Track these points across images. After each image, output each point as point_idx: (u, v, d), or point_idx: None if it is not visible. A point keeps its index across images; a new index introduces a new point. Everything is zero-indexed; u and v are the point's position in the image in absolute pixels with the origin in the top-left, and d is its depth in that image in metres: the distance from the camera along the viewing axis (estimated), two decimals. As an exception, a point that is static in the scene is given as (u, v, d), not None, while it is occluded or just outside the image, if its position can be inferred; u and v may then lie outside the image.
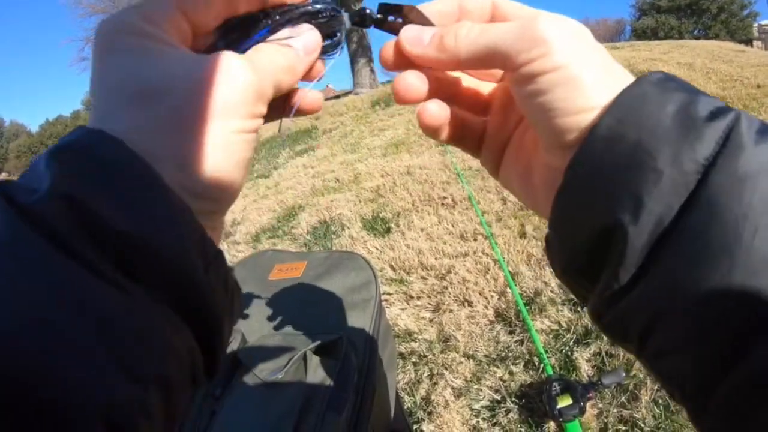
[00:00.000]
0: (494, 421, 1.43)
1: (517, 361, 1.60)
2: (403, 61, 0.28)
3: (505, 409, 1.44)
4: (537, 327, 1.68)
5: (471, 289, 2.00)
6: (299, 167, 5.06)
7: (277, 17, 0.27)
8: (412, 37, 0.27)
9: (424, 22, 0.28)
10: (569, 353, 1.56)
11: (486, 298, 1.93)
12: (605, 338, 1.55)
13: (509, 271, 1.95)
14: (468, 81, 0.31)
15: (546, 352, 1.54)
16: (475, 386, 1.55)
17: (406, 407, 1.55)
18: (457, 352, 1.71)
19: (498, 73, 0.31)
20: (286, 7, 0.27)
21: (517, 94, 0.25)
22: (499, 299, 1.91)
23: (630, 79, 0.23)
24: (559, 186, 0.24)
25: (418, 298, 2.08)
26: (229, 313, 0.23)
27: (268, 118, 0.29)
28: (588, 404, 1.24)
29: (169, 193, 0.20)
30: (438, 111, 0.28)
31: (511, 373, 1.56)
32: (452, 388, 1.58)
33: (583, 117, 0.23)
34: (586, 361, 1.52)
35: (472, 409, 1.49)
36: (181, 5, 0.25)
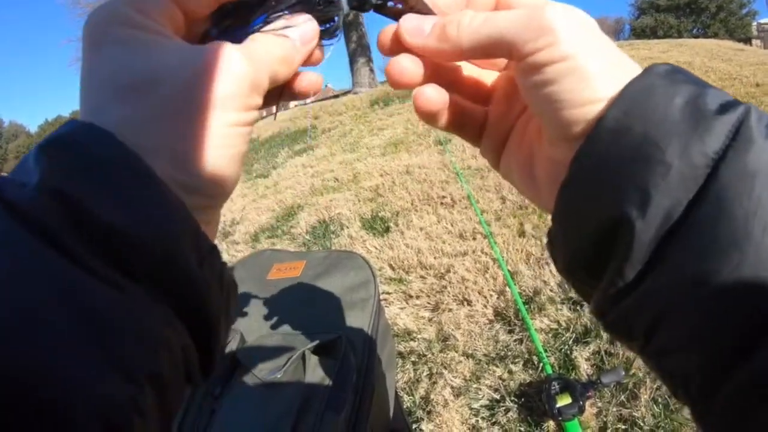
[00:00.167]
0: (493, 420, 1.43)
1: (517, 360, 1.60)
2: (402, 49, 0.27)
3: (504, 408, 1.44)
4: (536, 326, 1.68)
5: (470, 288, 2.00)
6: (298, 167, 5.06)
7: (273, 2, 0.26)
8: (412, 27, 0.26)
9: (424, 8, 0.27)
10: (568, 352, 1.56)
11: (485, 297, 1.93)
12: (604, 337, 1.55)
13: (508, 270, 1.95)
14: (469, 69, 0.31)
15: (545, 351, 1.54)
16: (475, 385, 1.55)
17: (405, 407, 1.55)
18: (456, 352, 1.71)
19: (501, 61, 0.30)
20: None
21: (523, 84, 0.24)
22: (498, 298, 1.91)
23: (638, 70, 0.23)
24: (563, 179, 0.23)
25: (417, 297, 2.08)
26: (225, 310, 0.23)
27: (266, 103, 0.28)
28: (587, 403, 1.24)
29: (161, 186, 0.20)
30: (435, 95, 0.27)
31: (510, 372, 1.56)
32: (451, 387, 1.58)
33: (590, 109, 0.22)
34: (586, 359, 1.52)
35: (471, 409, 1.49)
36: None
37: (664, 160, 0.20)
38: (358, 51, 10.79)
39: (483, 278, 2.04)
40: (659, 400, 1.31)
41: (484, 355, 1.67)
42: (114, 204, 0.19)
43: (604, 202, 0.21)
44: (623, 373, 1.28)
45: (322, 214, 3.29)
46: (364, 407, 0.63)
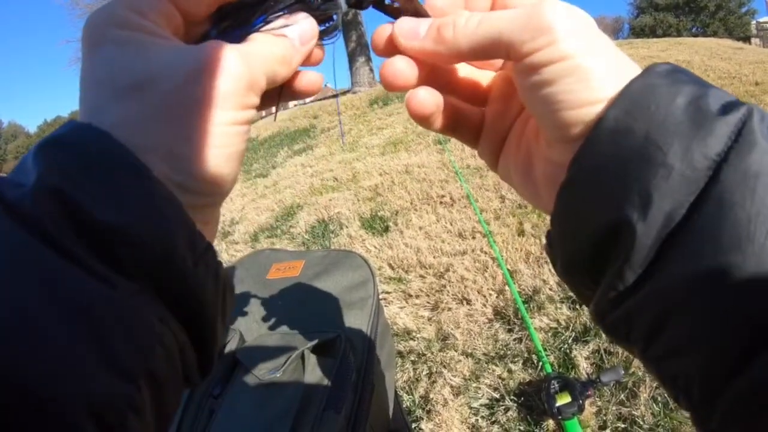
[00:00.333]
0: (493, 419, 1.43)
1: (516, 359, 1.60)
2: (396, 51, 0.27)
3: (503, 407, 1.44)
4: (536, 325, 1.68)
5: (469, 287, 2.00)
6: (297, 166, 5.06)
7: (272, 3, 0.26)
8: (406, 30, 0.26)
9: (421, 8, 0.27)
10: (568, 351, 1.56)
11: (484, 297, 1.94)
12: (604, 336, 1.55)
13: (508, 269, 1.95)
14: (465, 70, 0.30)
15: (545, 350, 1.54)
16: (474, 384, 1.55)
17: (404, 406, 1.55)
18: (456, 351, 1.71)
19: (497, 61, 0.30)
20: None
21: (521, 85, 0.24)
22: (497, 297, 1.91)
23: (637, 70, 0.22)
24: (562, 180, 0.23)
25: (417, 296, 2.08)
26: (221, 309, 0.23)
27: (266, 104, 0.28)
28: (587, 402, 1.24)
29: (158, 185, 0.20)
30: (428, 98, 0.27)
31: (509, 371, 1.56)
32: (451, 386, 1.58)
33: (589, 110, 0.22)
34: (585, 358, 1.52)
35: (470, 408, 1.49)
36: None
37: (665, 162, 0.19)
38: (358, 50, 10.77)
39: (482, 277, 2.05)
40: (658, 398, 1.31)
41: (484, 354, 1.67)
42: (111, 203, 0.19)
43: (604, 205, 0.21)
44: (622, 371, 1.28)
45: (322, 214, 3.29)
46: (363, 406, 0.63)
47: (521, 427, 1.36)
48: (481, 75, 0.31)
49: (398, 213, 2.94)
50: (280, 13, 0.26)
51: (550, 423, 1.33)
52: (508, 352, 1.64)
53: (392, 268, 2.33)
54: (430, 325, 1.89)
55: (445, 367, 1.66)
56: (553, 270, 1.68)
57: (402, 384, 1.65)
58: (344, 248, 2.51)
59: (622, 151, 0.20)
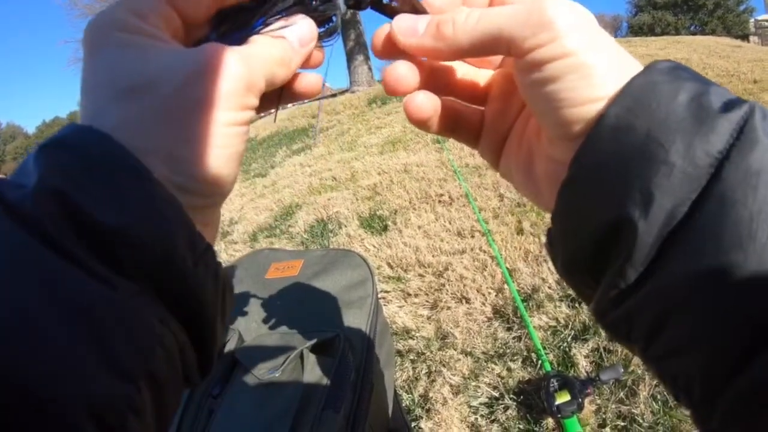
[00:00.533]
0: (492, 418, 1.43)
1: (515, 357, 1.60)
2: (395, 50, 0.27)
3: (503, 405, 1.44)
4: (535, 323, 1.68)
5: (468, 286, 2.00)
6: (296, 166, 5.06)
7: (270, 5, 0.26)
8: (405, 27, 0.26)
9: (419, 6, 0.27)
10: (567, 349, 1.56)
11: (483, 295, 1.94)
12: (603, 334, 1.55)
13: (507, 268, 1.95)
14: (464, 69, 0.30)
15: (544, 348, 1.54)
16: (473, 383, 1.55)
17: (404, 405, 1.55)
18: (455, 350, 1.71)
19: (496, 59, 0.30)
20: None
21: (522, 82, 0.24)
22: (496, 296, 1.91)
23: (639, 67, 0.22)
24: (564, 178, 0.23)
25: (416, 295, 2.08)
26: (220, 309, 0.23)
27: (266, 106, 0.29)
28: (586, 400, 1.25)
29: (157, 186, 0.20)
30: (425, 102, 0.27)
31: (509, 369, 1.56)
32: (450, 385, 1.58)
33: (590, 108, 0.22)
34: (584, 357, 1.52)
35: (470, 406, 1.49)
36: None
37: (667, 160, 0.19)
38: (356, 49, 10.76)
39: (481, 276, 2.05)
40: (658, 396, 1.31)
41: (483, 352, 1.67)
42: (112, 205, 0.19)
43: (605, 202, 0.21)
44: (622, 370, 1.29)
45: (320, 213, 3.28)
46: (362, 405, 0.63)
47: (521, 426, 1.37)
48: (479, 74, 0.31)
49: (397, 212, 2.94)
50: (279, 15, 0.26)
51: (550, 421, 1.33)
52: (508, 351, 1.64)
53: (391, 267, 2.33)
54: (429, 324, 1.89)
55: (444, 365, 1.66)
56: (552, 268, 1.69)
57: (401, 383, 1.65)
58: (343, 247, 2.50)
59: (623, 149, 0.20)
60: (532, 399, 1.42)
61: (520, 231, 2.34)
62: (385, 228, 2.80)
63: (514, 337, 1.69)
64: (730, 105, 0.20)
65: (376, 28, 0.28)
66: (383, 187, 3.40)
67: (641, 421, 1.27)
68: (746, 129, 0.19)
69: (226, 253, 3.17)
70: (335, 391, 0.61)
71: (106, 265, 0.18)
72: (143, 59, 0.22)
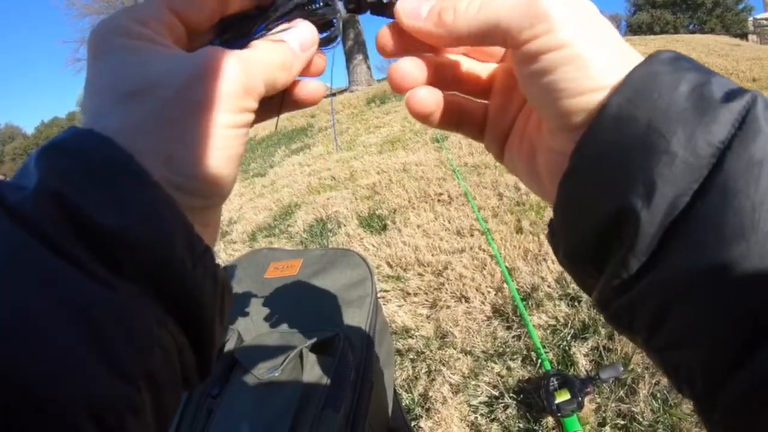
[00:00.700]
0: (492, 416, 1.43)
1: (515, 356, 1.60)
2: (399, 46, 0.27)
3: (503, 404, 1.44)
4: (534, 322, 1.68)
5: (468, 285, 2.00)
6: (295, 165, 5.06)
7: (272, 13, 0.27)
8: (409, 9, 0.26)
9: None
10: (567, 348, 1.56)
11: (483, 294, 1.94)
12: (603, 333, 1.56)
13: (506, 267, 1.96)
14: (467, 64, 0.30)
15: (543, 347, 1.54)
16: (473, 382, 1.55)
17: (404, 404, 1.55)
18: (455, 349, 1.71)
19: (499, 52, 0.30)
20: (279, 1, 0.27)
21: (520, 74, 0.24)
22: (496, 295, 1.91)
23: (639, 57, 0.22)
24: (565, 169, 0.23)
25: (415, 294, 2.08)
26: (219, 311, 0.23)
27: (268, 112, 0.29)
28: (586, 399, 1.25)
29: (158, 190, 0.20)
30: (428, 96, 0.28)
31: (508, 368, 1.56)
32: (450, 384, 1.58)
33: (590, 98, 0.22)
34: (584, 355, 1.52)
35: (470, 405, 1.49)
36: (172, 6, 0.25)
37: (669, 150, 0.19)
38: (355, 48, 10.77)
39: (481, 275, 2.05)
40: (658, 395, 1.31)
41: (483, 351, 1.67)
42: (111, 207, 0.19)
43: (607, 192, 0.21)
44: (622, 368, 1.29)
45: (320, 213, 3.28)
46: (362, 405, 0.63)
47: (520, 425, 1.37)
48: (483, 68, 0.31)
49: (396, 211, 2.94)
50: (280, 21, 0.27)
51: (550, 420, 1.33)
52: (507, 350, 1.64)
53: (390, 266, 2.33)
54: (429, 323, 1.89)
55: (444, 365, 1.66)
56: (551, 267, 1.69)
57: (401, 382, 1.65)
58: (342, 247, 2.51)
59: (624, 139, 0.20)
60: (532, 398, 1.42)
61: (519, 230, 2.34)
62: (384, 227, 2.80)
63: (513, 336, 1.69)
64: (731, 95, 0.20)
65: (375, 27, 0.29)
66: (382, 187, 3.40)
67: (641, 419, 1.27)
68: (748, 119, 0.19)
69: (225, 252, 3.17)
70: (335, 390, 0.61)
71: (105, 267, 0.19)
72: (145, 63, 0.23)
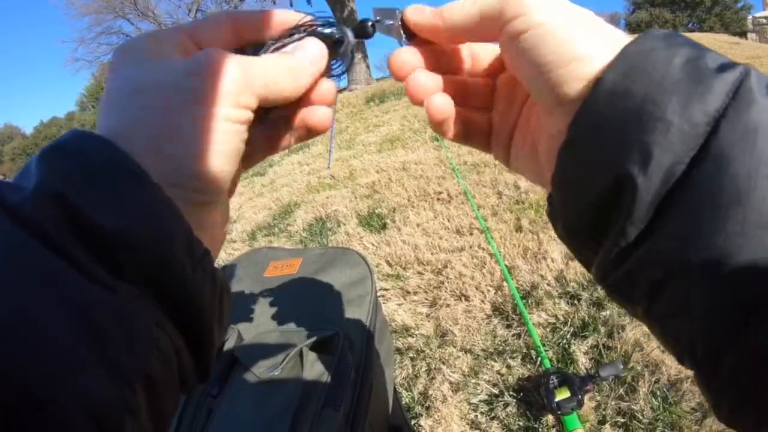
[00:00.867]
0: (492, 415, 1.43)
1: (515, 354, 1.60)
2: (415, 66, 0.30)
3: (503, 402, 1.44)
4: (534, 320, 1.69)
5: (467, 283, 2.00)
6: (294, 164, 5.06)
7: (285, 36, 0.29)
8: (415, 8, 0.29)
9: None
10: (566, 346, 1.56)
11: (483, 293, 1.94)
12: (602, 331, 1.56)
13: (506, 265, 1.96)
14: (474, 81, 0.33)
15: (543, 345, 1.55)
16: (473, 380, 1.55)
17: (404, 402, 1.55)
18: (455, 347, 1.71)
19: (499, 64, 0.32)
20: (292, 30, 0.29)
21: (509, 56, 0.26)
22: (495, 293, 1.91)
23: (622, 35, 0.23)
24: (562, 142, 0.23)
25: (415, 293, 2.08)
26: (218, 314, 0.24)
27: (277, 136, 0.31)
28: (586, 397, 1.25)
29: (157, 191, 0.21)
30: (443, 103, 0.29)
31: (508, 366, 1.56)
32: (450, 382, 1.58)
33: (575, 67, 0.23)
34: (584, 353, 1.52)
35: (470, 404, 1.49)
36: (192, 35, 0.27)
37: (664, 118, 0.20)
38: (354, 48, 10.74)
39: (480, 273, 2.05)
40: (657, 393, 1.32)
41: (483, 350, 1.68)
42: (111, 209, 0.19)
43: (604, 162, 0.21)
44: (621, 366, 1.29)
45: (319, 212, 3.28)
46: (362, 403, 0.63)
47: (520, 423, 1.37)
48: (487, 84, 0.33)
49: (395, 210, 2.94)
50: (291, 41, 0.29)
51: (550, 418, 1.34)
52: (507, 348, 1.64)
53: (390, 265, 2.33)
54: (429, 321, 1.89)
55: (443, 363, 1.66)
56: (551, 266, 1.69)
57: (401, 381, 1.65)
58: (342, 245, 2.51)
59: (620, 112, 0.21)
60: (532, 396, 1.42)
61: (518, 228, 2.34)
62: (384, 226, 2.80)
63: (513, 335, 1.69)
64: (725, 67, 0.20)
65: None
66: (382, 185, 3.40)
67: (641, 417, 1.27)
68: (742, 89, 0.19)
69: (224, 251, 3.16)
70: (335, 389, 0.61)
71: (106, 268, 0.19)
72: (150, 68, 0.24)
